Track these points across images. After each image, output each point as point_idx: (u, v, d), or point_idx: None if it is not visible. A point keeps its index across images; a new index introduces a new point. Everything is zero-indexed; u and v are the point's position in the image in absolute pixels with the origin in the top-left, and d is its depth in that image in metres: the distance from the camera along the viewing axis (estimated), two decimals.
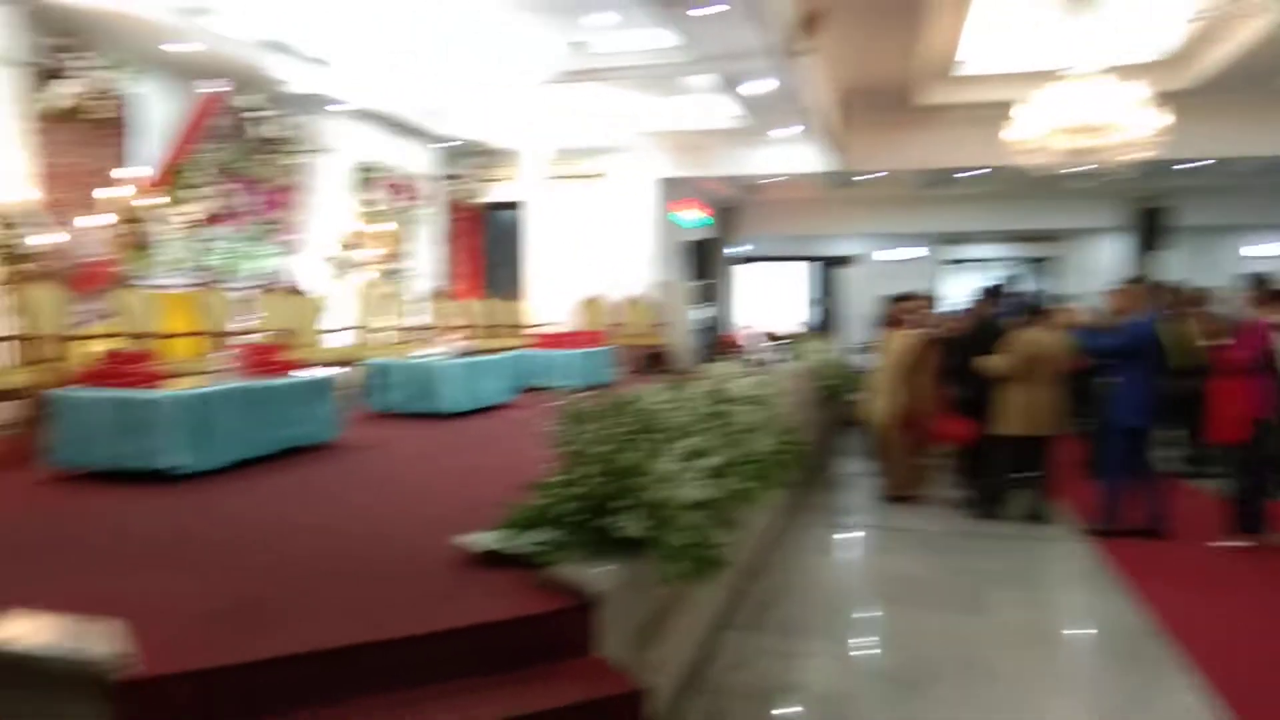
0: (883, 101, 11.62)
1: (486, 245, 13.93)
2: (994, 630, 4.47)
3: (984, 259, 18.24)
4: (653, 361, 12.06)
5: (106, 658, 2.26)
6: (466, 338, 10.02)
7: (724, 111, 11.02)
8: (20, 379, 5.89)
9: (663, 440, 3.49)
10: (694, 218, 14.82)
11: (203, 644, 2.56)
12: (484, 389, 7.91)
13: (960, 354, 6.59)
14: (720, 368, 5.67)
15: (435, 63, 9.60)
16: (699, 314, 14.79)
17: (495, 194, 13.53)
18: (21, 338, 6.21)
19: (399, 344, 9.96)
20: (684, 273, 14.51)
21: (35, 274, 6.68)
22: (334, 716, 2.44)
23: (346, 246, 10.64)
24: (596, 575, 2.90)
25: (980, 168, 12.80)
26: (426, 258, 12.66)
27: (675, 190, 13.78)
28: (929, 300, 8.04)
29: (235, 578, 3.20)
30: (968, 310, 7.24)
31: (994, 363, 6.25)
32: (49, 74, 7.35)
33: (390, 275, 11.39)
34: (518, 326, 12.16)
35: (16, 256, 6.66)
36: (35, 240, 6.75)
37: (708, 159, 13.00)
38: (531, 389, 8.70)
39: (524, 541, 3.14)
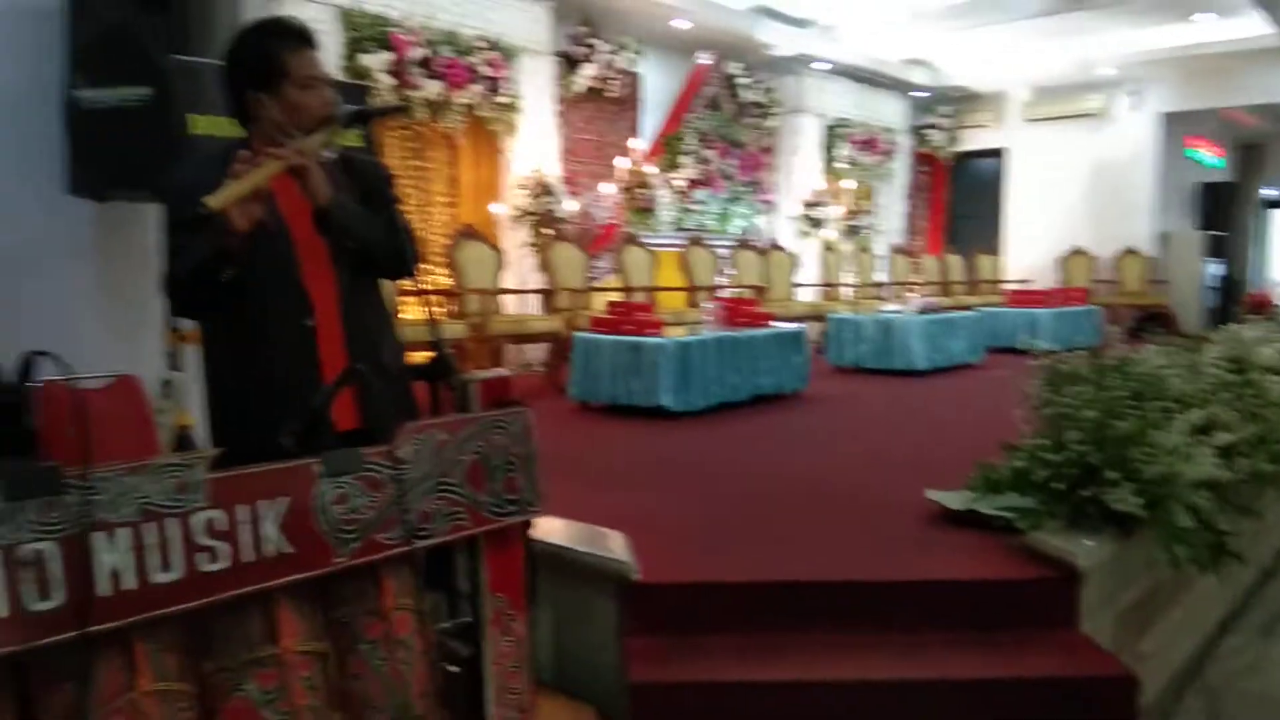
0: None
1: (954, 198, 13.37)
2: None
3: None
4: (1150, 322, 10.72)
5: (624, 562, 2.65)
6: (930, 294, 9.77)
7: (1248, 29, 9.32)
8: (546, 325, 6.99)
9: (1163, 410, 3.14)
10: (1211, 157, 12.78)
11: (682, 559, 2.88)
12: (948, 347, 7.69)
13: None
14: (1242, 331, 4.89)
15: (921, 5, 9.37)
16: (1212, 269, 12.77)
17: (970, 143, 12.89)
18: (546, 290, 7.34)
19: (862, 299, 10.02)
20: (1193, 221, 12.62)
21: (558, 236, 7.83)
22: (800, 643, 2.60)
23: (814, 204, 10.91)
24: (1084, 548, 2.72)
25: None
26: (891, 213, 12.51)
27: (1184, 126, 11.98)
28: None
29: (711, 504, 3.54)
30: None
31: None
32: (573, 60, 8.49)
33: (855, 231, 11.46)
34: (987, 282, 11.54)
35: (544, 221, 7.85)
36: (559, 207, 7.90)
37: (1227, 86, 11.09)
38: (1001, 349, 8.25)
39: (996, 504, 3.04)
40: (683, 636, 2.61)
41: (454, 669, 1.88)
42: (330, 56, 5.98)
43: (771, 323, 6.42)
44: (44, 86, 3.02)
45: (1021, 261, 11.99)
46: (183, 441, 3.25)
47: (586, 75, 8.54)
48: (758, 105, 10.41)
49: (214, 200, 1.85)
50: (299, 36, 2.12)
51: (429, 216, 7.56)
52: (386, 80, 6.63)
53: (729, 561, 2.88)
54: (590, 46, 8.54)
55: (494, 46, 7.37)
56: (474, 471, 1.83)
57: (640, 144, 9.15)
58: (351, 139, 2.98)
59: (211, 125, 2.78)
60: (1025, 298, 9.65)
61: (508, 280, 7.29)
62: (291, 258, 2.13)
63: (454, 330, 6.21)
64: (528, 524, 2.00)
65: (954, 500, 3.21)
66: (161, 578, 1.40)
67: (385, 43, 6.65)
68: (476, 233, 7.12)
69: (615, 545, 2.78)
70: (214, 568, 1.45)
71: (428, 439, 1.77)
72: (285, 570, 1.54)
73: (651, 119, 9.51)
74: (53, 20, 3.02)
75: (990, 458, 3.26)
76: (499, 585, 1.93)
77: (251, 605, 1.54)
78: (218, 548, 1.46)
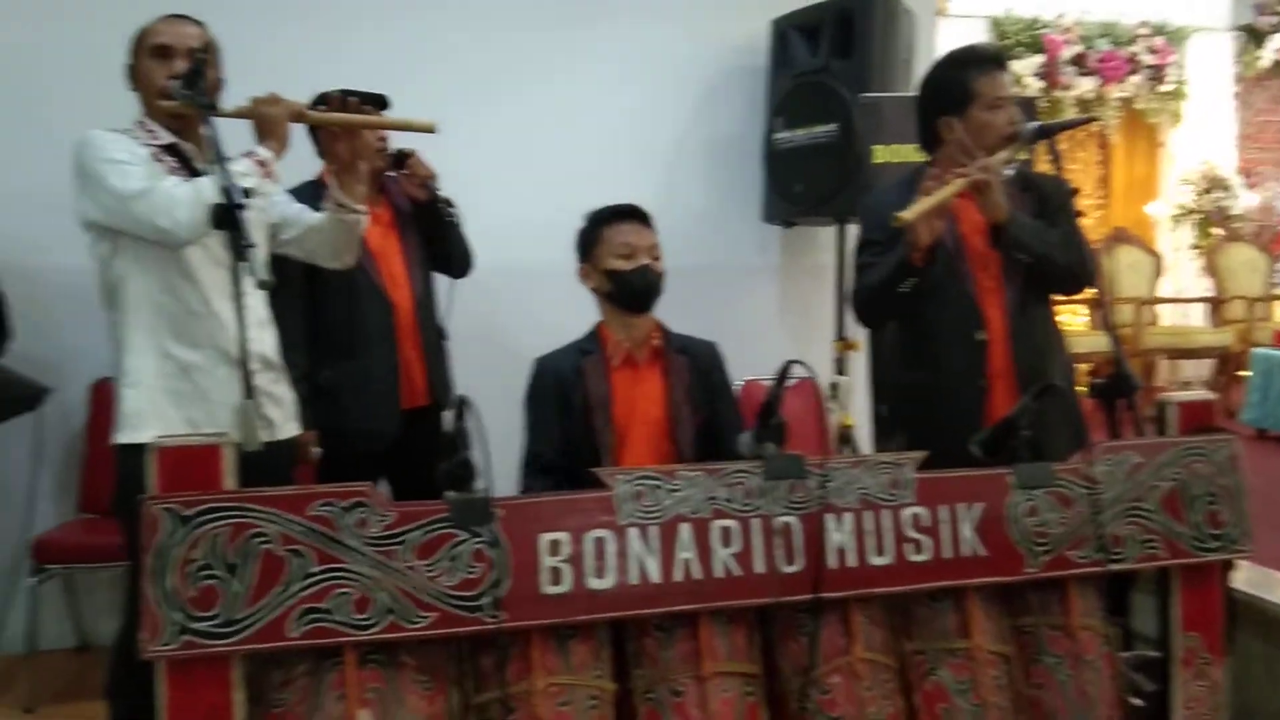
0: None
1: None
2: None
3: None
4: None
5: None
6: None
7: None
8: (1213, 339, 6.15)
9: None
10: None
11: None
12: None
13: None
14: None
15: None
16: None
17: None
18: (1213, 299, 6.45)
19: None
20: None
21: (1230, 236, 6.82)
22: None
23: None
24: None
25: None
26: None
27: None
28: None
29: None
30: None
31: None
32: (1258, 33, 7.32)
33: None
34: None
35: (1213, 220, 6.91)
36: (1234, 202, 6.89)
37: None
38: None
39: None
40: None
41: (1138, 702, 1.79)
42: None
43: None
44: (750, 131, 3.60)
45: None
46: (844, 439, 3.59)
47: (1276, 48, 7.29)
48: None
49: (906, 214, 2.02)
50: (990, 60, 2.21)
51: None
52: (1034, 84, 6.47)
53: None
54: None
55: (1158, 32, 6.72)
56: (1170, 499, 1.73)
57: None
58: (1037, 155, 3.00)
59: (891, 154, 3.02)
60: None
61: (1165, 288, 6.58)
62: (966, 273, 2.22)
63: (1098, 343, 5.81)
64: (1229, 563, 1.82)
65: None
66: (876, 560, 1.59)
67: (1036, 45, 6.49)
68: (1130, 236, 6.56)
69: None
70: (918, 559, 1.61)
71: (1122, 460, 1.72)
72: (978, 571, 1.64)
73: None
74: (759, 75, 3.58)
75: None
76: (1193, 624, 1.79)
77: (947, 599, 1.67)
78: (922, 541, 1.61)
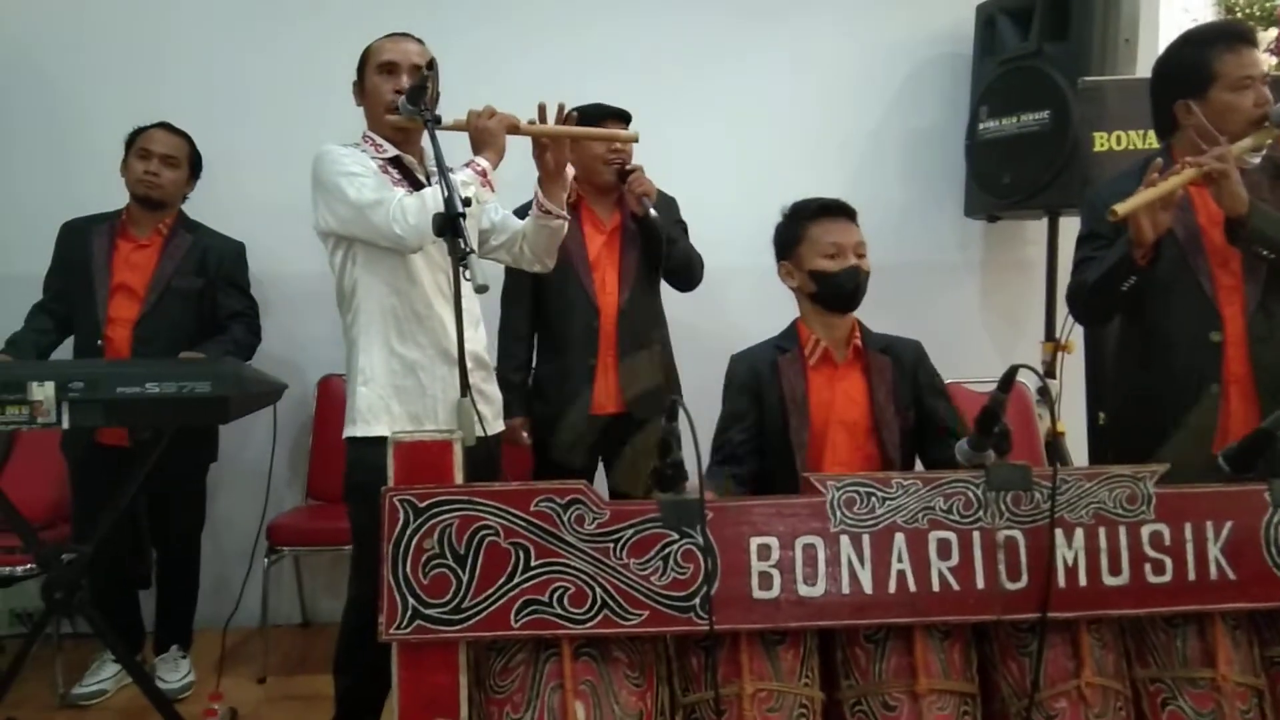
0: None
1: None
2: None
3: None
4: None
5: None
6: None
7: None
8: None
9: None
10: None
11: None
12: None
13: None
14: None
15: None
16: None
17: None
18: None
19: None
20: None
21: None
22: None
23: None
24: None
25: None
26: None
27: None
28: None
29: None
30: None
31: None
32: None
33: None
34: None
35: None
36: None
37: None
38: None
39: None
40: None
41: None
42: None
43: None
44: (953, 122, 3.45)
45: None
46: (1050, 448, 3.38)
47: None
48: None
49: (1121, 207, 1.87)
50: (1236, 36, 2.02)
51: None
52: (1267, 60, 5.87)
53: None
54: None
55: None
56: None
57: None
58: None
59: (1114, 142, 2.82)
60: None
61: None
62: (1203, 268, 2.04)
63: None
64: None
65: None
66: (1110, 580, 1.48)
67: (1271, 19, 5.88)
68: None
69: None
70: (1158, 580, 1.49)
71: None
72: (1227, 596, 1.50)
73: None
74: (963, 63, 3.43)
75: None
76: None
77: (1188, 624, 1.54)
78: (1162, 561, 1.49)
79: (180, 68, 3.29)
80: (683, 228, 2.85)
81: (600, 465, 2.79)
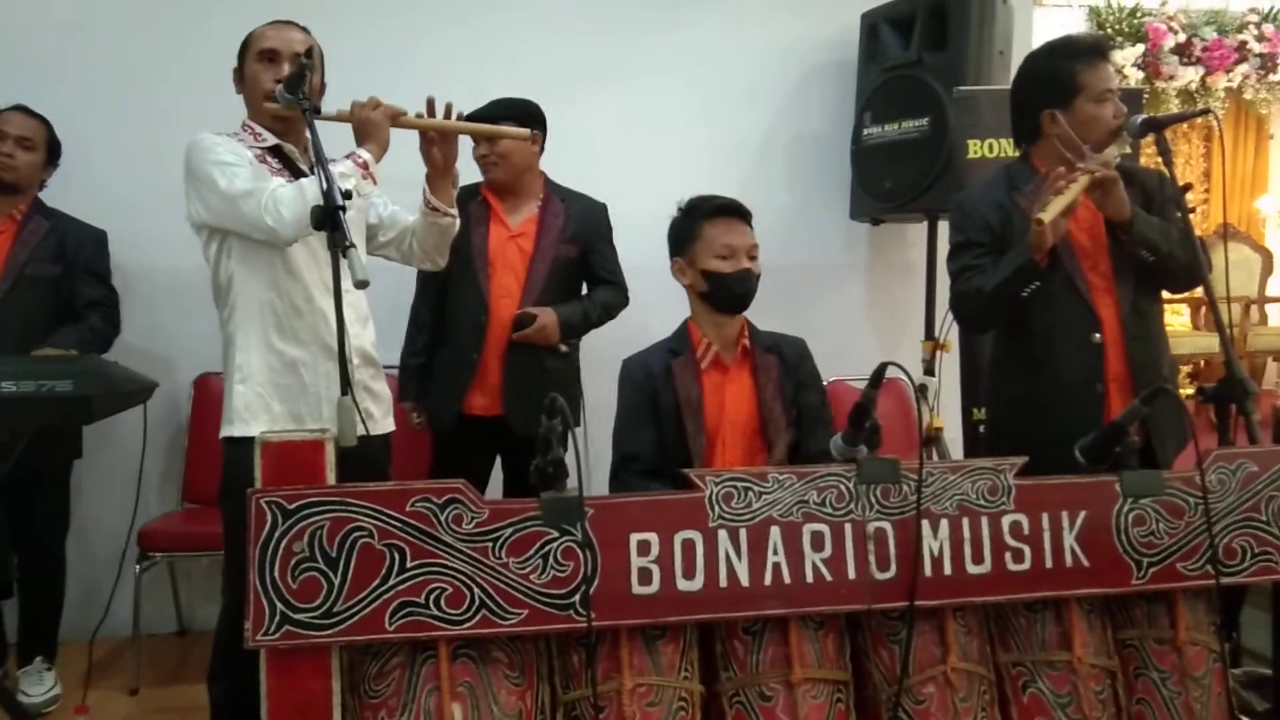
0: None
1: None
2: None
3: None
4: None
5: None
6: None
7: None
8: None
9: None
10: None
11: None
12: None
13: None
14: None
15: None
16: None
17: None
18: None
19: None
20: None
21: None
22: None
23: None
24: None
25: None
26: None
27: None
28: None
29: None
30: None
31: None
32: None
33: None
34: None
35: None
36: None
37: None
38: None
39: None
40: None
41: None
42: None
43: None
44: (838, 128, 3.54)
45: None
46: (930, 443, 3.50)
47: None
48: None
49: (1045, 214, 1.94)
50: (1096, 51, 2.13)
51: None
52: (1133, 74, 6.21)
53: None
54: None
55: (1268, 18, 6.39)
56: None
57: None
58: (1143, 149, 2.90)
59: (986, 149, 2.94)
60: None
61: (1274, 287, 6.26)
62: (1078, 271, 2.14)
63: (1199, 344, 5.57)
64: None
65: None
66: (974, 569, 1.55)
67: (1138, 34, 6.24)
68: (1237, 232, 6.26)
69: None
70: (1018, 568, 1.56)
71: (1236, 469, 1.64)
72: (1081, 582, 1.58)
73: None
74: (848, 70, 3.52)
75: None
76: None
77: (1046, 609, 1.61)
78: (1021, 549, 1.56)
79: (44, 52, 3.11)
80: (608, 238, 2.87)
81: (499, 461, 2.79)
